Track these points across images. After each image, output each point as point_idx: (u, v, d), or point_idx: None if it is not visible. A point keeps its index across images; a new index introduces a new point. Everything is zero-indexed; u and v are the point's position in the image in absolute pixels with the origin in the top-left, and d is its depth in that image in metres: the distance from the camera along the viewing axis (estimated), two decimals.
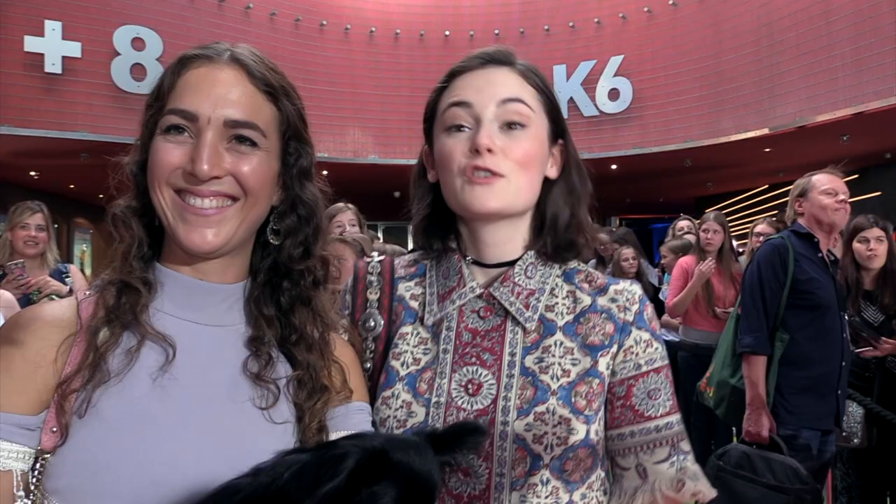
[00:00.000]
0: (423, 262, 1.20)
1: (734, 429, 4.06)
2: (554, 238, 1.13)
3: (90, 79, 9.66)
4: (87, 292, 0.95)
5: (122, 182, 0.98)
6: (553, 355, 1.06)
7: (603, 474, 1.10)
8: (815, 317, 3.10)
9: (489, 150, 1.04)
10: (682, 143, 11.08)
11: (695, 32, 11.14)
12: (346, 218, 3.53)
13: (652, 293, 5.53)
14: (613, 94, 11.67)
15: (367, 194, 8.03)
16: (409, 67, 11.82)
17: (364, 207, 3.75)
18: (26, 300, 3.49)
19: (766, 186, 13.91)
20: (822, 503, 3.29)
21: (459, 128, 1.07)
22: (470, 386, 1.05)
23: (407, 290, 1.17)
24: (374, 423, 1.06)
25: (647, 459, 1.06)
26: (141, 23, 9.90)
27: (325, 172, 1.08)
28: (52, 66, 9.39)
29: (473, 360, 1.07)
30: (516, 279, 1.10)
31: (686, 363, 4.93)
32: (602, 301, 1.11)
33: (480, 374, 1.06)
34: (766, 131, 10.08)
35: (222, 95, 0.91)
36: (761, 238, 4.65)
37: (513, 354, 1.07)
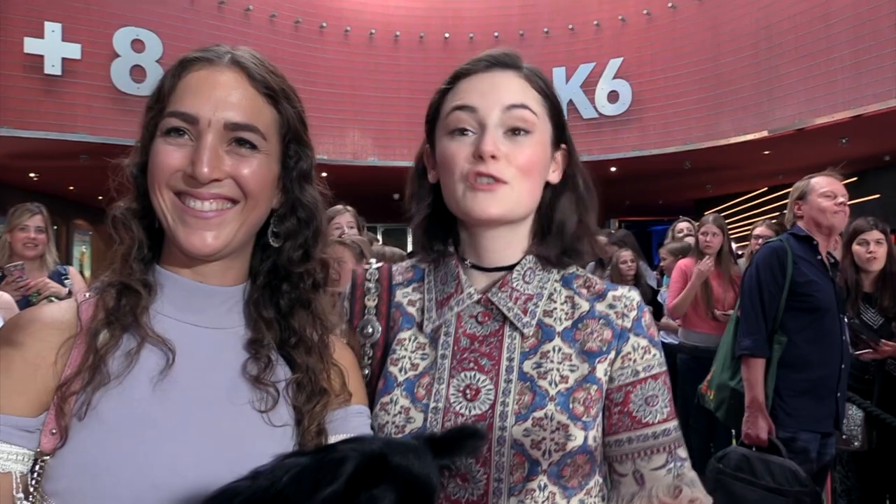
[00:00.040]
0: (420, 266, 1.20)
1: (733, 431, 4.06)
2: (561, 244, 1.13)
3: (90, 80, 9.66)
4: (87, 294, 0.95)
5: (122, 184, 0.98)
6: (551, 361, 1.06)
7: (601, 480, 1.09)
8: (814, 319, 3.11)
9: (493, 157, 1.03)
10: (682, 145, 11.09)
11: (694, 35, 11.16)
12: (344, 220, 3.53)
13: (650, 296, 5.53)
14: (613, 97, 11.69)
15: (366, 196, 8.03)
16: (408, 69, 11.83)
17: (363, 209, 3.75)
18: (25, 302, 3.49)
19: (766, 189, 13.92)
20: None
21: (463, 132, 1.07)
22: (468, 391, 1.05)
23: (405, 296, 1.17)
24: (372, 429, 1.06)
25: (645, 466, 1.06)
26: (141, 24, 9.91)
27: (324, 174, 1.08)
28: (52, 67, 9.40)
29: (471, 365, 1.07)
30: (514, 284, 1.10)
31: (685, 365, 4.93)
32: (600, 307, 1.11)
33: (478, 380, 1.06)
34: (765, 134, 10.10)
35: (223, 98, 0.91)
36: (760, 241, 4.65)
37: (511, 359, 1.07)
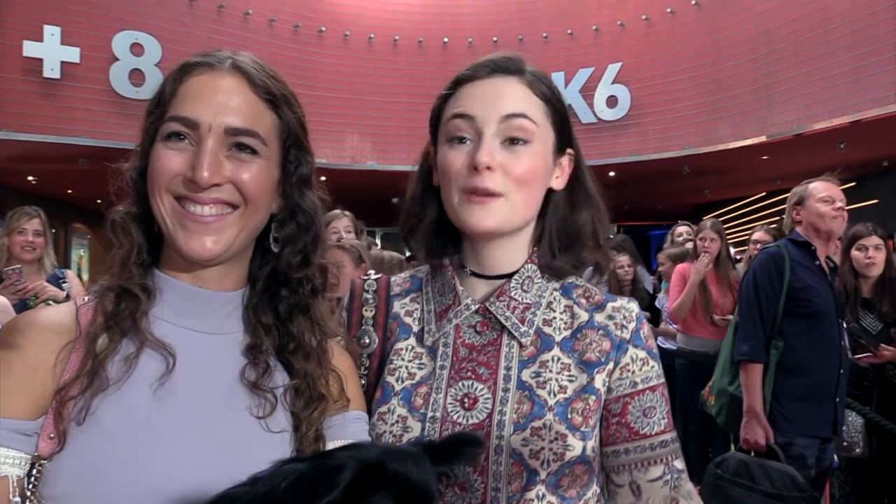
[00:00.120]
0: (418, 276, 1.20)
1: (732, 436, 4.06)
2: (563, 252, 1.12)
3: (89, 84, 9.66)
4: (87, 297, 0.95)
5: (121, 188, 0.97)
6: (550, 370, 1.06)
7: (598, 490, 1.09)
8: (812, 324, 3.11)
9: (488, 168, 1.02)
10: (680, 150, 11.10)
11: (693, 40, 11.18)
12: (342, 225, 3.53)
13: (648, 301, 5.53)
14: (611, 102, 11.70)
15: (365, 200, 8.04)
16: (407, 74, 11.84)
17: (362, 213, 3.75)
18: (23, 305, 3.49)
19: (764, 193, 13.94)
20: None
21: (461, 140, 1.06)
22: (466, 400, 1.05)
23: (402, 307, 1.16)
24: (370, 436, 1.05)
25: (642, 477, 1.06)
26: (140, 28, 9.91)
27: (323, 178, 1.08)
28: (51, 70, 9.40)
29: (469, 374, 1.07)
30: (512, 293, 1.09)
31: (683, 371, 4.92)
32: (599, 317, 1.11)
33: (476, 389, 1.05)
34: (763, 139, 10.11)
35: (223, 103, 0.91)
36: (759, 245, 4.65)
37: (508, 368, 1.06)
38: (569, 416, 1.03)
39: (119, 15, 9.85)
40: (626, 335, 1.09)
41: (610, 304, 1.13)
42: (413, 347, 1.12)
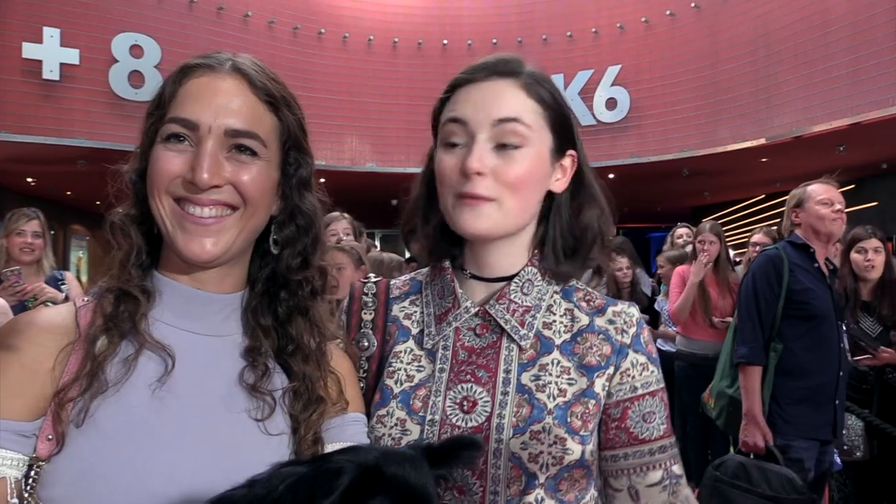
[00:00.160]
0: (418, 278, 1.20)
1: (731, 439, 4.06)
2: (566, 254, 1.12)
3: (88, 86, 9.66)
4: (86, 299, 0.95)
5: (120, 190, 0.97)
6: (550, 374, 1.06)
7: (596, 494, 1.09)
8: (811, 327, 3.11)
9: (479, 174, 1.01)
10: (680, 152, 11.10)
11: (692, 42, 11.19)
12: (340, 227, 3.53)
13: (646, 304, 5.53)
14: (611, 104, 11.71)
15: (364, 202, 8.05)
16: (407, 76, 11.85)
17: (361, 215, 3.75)
18: (21, 307, 3.48)
19: (763, 196, 13.95)
20: None
21: (455, 144, 1.05)
22: (465, 403, 1.05)
23: (401, 310, 1.16)
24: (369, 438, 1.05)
25: (640, 482, 1.06)
26: (139, 30, 9.92)
27: (322, 180, 1.08)
28: (50, 72, 9.40)
29: (468, 377, 1.06)
30: (512, 296, 1.09)
31: (683, 373, 4.92)
32: (600, 322, 1.10)
33: (475, 392, 1.05)
34: (762, 141, 10.12)
35: (223, 105, 0.91)
36: (758, 248, 4.65)
37: (508, 371, 1.06)
38: (568, 419, 1.03)
39: (118, 17, 9.86)
40: (627, 340, 1.09)
41: (611, 309, 1.12)
42: (412, 350, 1.11)
